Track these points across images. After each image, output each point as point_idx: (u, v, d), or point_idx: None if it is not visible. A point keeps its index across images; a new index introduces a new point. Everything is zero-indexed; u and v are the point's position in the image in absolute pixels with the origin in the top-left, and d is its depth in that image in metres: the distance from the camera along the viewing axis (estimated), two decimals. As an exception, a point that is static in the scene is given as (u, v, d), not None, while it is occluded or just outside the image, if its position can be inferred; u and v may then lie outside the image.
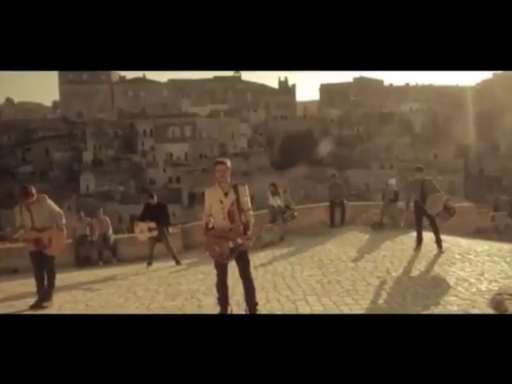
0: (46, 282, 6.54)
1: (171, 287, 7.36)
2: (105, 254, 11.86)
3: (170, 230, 10.78)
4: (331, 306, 5.35)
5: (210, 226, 4.76)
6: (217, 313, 4.96)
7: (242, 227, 4.74)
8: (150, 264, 9.91)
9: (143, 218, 10.08)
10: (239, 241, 4.66)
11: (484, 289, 5.62)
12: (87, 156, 74.63)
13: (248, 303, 4.89)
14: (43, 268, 6.53)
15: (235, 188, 4.78)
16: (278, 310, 5.36)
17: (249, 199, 4.90)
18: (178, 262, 9.89)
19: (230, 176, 4.85)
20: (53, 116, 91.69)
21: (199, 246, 10.28)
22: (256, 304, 4.91)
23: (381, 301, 5.56)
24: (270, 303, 5.64)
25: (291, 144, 74.59)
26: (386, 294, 5.83)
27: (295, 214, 12.10)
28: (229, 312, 4.93)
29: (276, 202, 12.19)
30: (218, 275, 4.90)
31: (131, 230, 11.90)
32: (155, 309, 5.97)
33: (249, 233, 4.77)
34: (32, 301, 6.45)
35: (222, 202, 4.76)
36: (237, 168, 48.19)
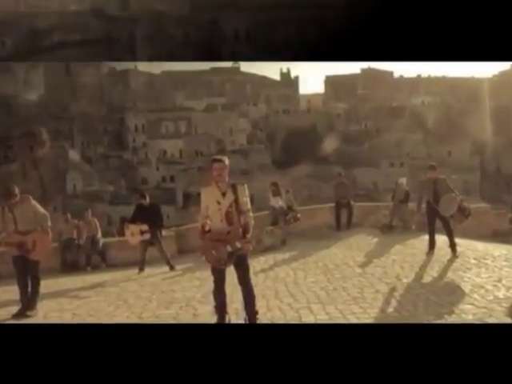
0: (30, 289, 6.54)
1: (165, 294, 7.36)
2: (93, 258, 11.87)
3: (164, 232, 10.79)
4: (337, 315, 5.35)
5: (207, 228, 4.77)
6: (214, 322, 4.97)
7: (240, 230, 4.75)
8: (141, 269, 9.92)
9: (134, 219, 10.09)
10: (238, 244, 4.67)
11: (501, 296, 5.62)
12: (74, 153, 74.61)
13: (247, 312, 4.90)
14: (27, 274, 6.54)
15: (234, 188, 4.79)
16: (279, 318, 5.36)
17: (248, 200, 4.91)
18: (172, 268, 9.90)
19: (227, 175, 4.86)
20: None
21: (195, 250, 10.29)
22: (256, 312, 4.92)
23: (390, 309, 5.56)
24: (271, 312, 5.65)
25: (294, 140, 74.64)
26: (395, 301, 5.84)
27: (298, 215, 12.10)
28: (227, 321, 4.94)
29: (277, 202, 12.20)
30: (216, 281, 4.90)
31: (122, 233, 11.91)
32: (147, 318, 5.98)
33: (248, 236, 4.78)
34: (15, 309, 6.45)
35: (219, 203, 4.76)
36: (235, 166, 48.13)
